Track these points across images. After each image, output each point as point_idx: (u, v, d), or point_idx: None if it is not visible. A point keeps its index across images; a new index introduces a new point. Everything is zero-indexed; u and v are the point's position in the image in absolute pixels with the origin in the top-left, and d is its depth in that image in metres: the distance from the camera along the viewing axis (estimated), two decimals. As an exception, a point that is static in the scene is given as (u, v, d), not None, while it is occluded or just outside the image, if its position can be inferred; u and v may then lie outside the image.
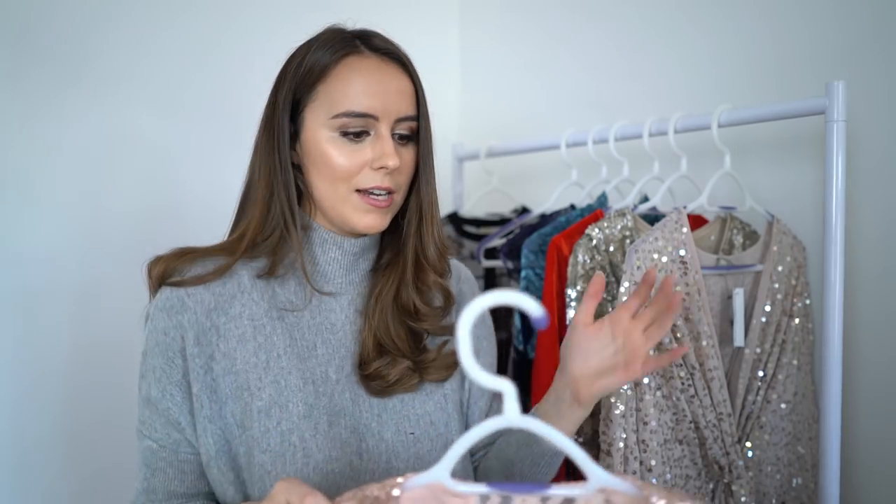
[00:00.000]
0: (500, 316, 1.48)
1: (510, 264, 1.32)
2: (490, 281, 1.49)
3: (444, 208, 1.78)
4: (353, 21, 0.90)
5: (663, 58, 1.41)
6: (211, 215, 1.02)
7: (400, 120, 0.84)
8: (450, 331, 0.90)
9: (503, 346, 1.39)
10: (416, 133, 0.87)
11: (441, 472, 0.59)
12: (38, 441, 1.27)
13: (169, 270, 0.83)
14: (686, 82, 1.36)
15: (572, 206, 1.34)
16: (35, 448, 1.27)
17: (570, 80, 1.63)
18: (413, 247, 0.89)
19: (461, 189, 1.69)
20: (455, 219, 1.61)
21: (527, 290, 1.21)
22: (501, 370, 1.27)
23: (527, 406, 1.17)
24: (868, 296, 1.09)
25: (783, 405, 1.06)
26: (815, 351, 1.12)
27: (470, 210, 1.63)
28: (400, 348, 0.87)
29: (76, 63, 1.32)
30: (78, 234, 1.32)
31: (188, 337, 0.80)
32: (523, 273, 1.23)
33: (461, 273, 0.99)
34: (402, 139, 0.86)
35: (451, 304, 0.91)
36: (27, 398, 1.27)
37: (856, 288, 1.09)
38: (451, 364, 0.89)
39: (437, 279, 0.90)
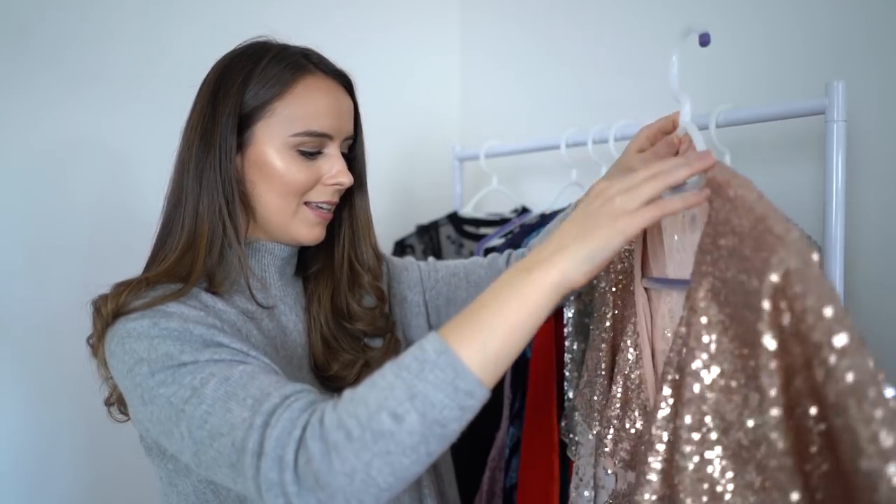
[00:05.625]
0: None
1: (509, 264, 1.32)
2: (489, 281, 1.48)
3: (444, 208, 1.79)
4: (288, 36, 0.92)
5: (663, 58, 1.40)
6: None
7: (346, 139, 0.90)
8: (385, 330, 0.98)
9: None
10: (351, 149, 0.94)
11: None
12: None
13: (124, 302, 0.78)
14: (686, 82, 1.35)
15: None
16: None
17: (571, 80, 1.62)
18: (348, 255, 0.96)
19: (461, 189, 1.68)
20: (455, 219, 1.61)
21: (526, 290, 1.20)
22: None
23: (522, 407, 1.17)
24: (868, 296, 1.08)
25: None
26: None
27: (470, 210, 1.63)
28: (345, 348, 0.92)
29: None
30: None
31: (188, 326, 0.75)
32: (522, 273, 1.23)
33: (392, 266, 1.06)
34: (343, 156, 0.91)
35: (384, 303, 0.99)
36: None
37: (856, 288, 1.08)
38: (396, 353, 0.94)
39: (371, 281, 0.97)
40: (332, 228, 0.95)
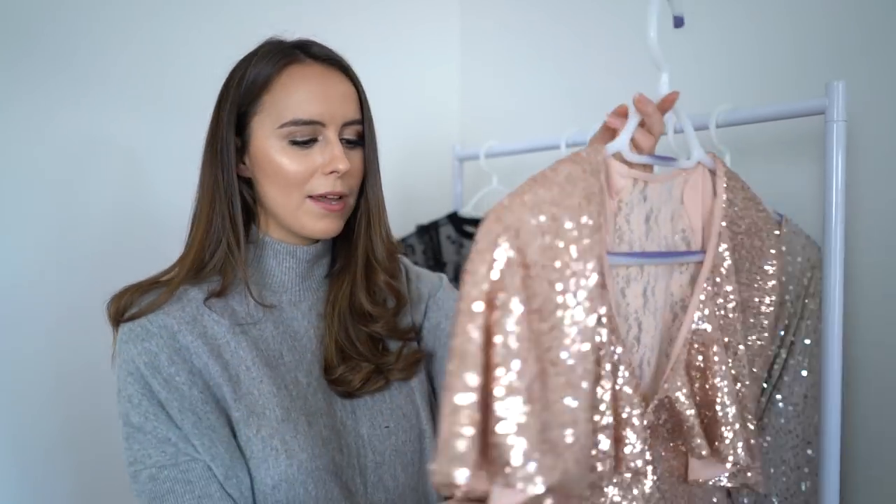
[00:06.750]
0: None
1: (510, 264, 1.31)
2: (490, 281, 1.48)
3: (444, 208, 1.78)
4: (291, 33, 0.92)
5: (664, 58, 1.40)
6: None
7: (346, 124, 0.87)
8: (404, 334, 0.94)
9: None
10: (361, 137, 0.90)
11: (621, 143, 0.79)
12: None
13: (122, 307, 0.83)
14: (685, 82, 1.35)
15: (572, 207, 1.33)
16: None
17: (571, 80, 1.62)
18: (364, 248, 0.92)
19: (461, 189, 1.69)
20: (455, 219, 1.61)
21: (526, 290, 1.20)
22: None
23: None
24: (868, 296, 1.08)
25: (790, 407, 1.05)
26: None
27: (470, 210, 1.63)
28: (361, 352, 0.89)
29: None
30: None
31: (160, 360, 0.80)
32: (522, 273, 1.23)
33: (419, 274, 1.02)
34: (349, 143, 0.88)
35: (402, 305, 0.95)
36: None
37: (856, 288, 1.08)
38: (414, 363, 0.93)
39: (387, 279, 0.93)
40: (353, 222, 0.93)
